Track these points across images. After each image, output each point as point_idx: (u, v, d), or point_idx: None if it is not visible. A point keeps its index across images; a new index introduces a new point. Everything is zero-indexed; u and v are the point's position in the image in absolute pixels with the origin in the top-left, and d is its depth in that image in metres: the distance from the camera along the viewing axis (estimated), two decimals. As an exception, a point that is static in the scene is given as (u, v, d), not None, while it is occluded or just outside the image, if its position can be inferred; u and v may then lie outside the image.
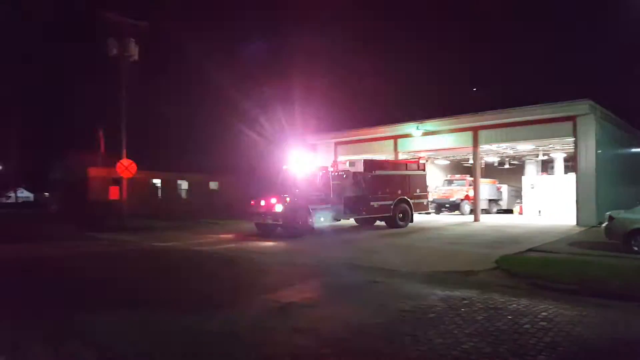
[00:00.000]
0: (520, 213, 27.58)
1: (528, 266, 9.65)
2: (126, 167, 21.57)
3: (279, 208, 16.35)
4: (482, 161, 27.79)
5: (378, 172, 19.67)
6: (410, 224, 20.04)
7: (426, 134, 24.14)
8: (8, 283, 8.83)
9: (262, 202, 16.91)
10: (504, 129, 22.06)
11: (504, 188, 31.09)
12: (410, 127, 24.40)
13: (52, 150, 42.03)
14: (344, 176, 19.26)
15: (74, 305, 6.88)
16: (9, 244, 15.07)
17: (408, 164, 21.42)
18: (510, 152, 28.28)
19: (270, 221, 16.62)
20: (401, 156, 26.23)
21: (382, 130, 26.05)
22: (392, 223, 19.60)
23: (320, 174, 17.90)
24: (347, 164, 20.36)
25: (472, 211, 24.78)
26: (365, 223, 20.45)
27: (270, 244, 14.70)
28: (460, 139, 23.78)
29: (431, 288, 7.70)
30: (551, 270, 9.10)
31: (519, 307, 6.47)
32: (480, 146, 23.45)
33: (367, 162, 19.73)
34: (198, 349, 5.03)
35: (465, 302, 6.75)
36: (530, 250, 12.35)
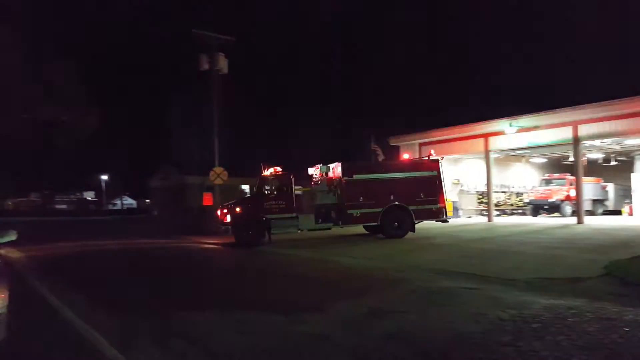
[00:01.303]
0: (631, 214, 25.23)
1: (644, 273, 8.70)
2: (218, 174, 22.52)
3: (228, 218, 16.39)
4: (584, 158, 25.75)
5: (358, 177, 17.33)
6: (411, 233, 17.15)
7: (520, 130, 22.76)
8: (117, 278, 9.48)
9: (218, 212, 16.96)
10: (608, 122, 20.28)
11: (610, 187, 28.65)
12: (502, 124, 23.13)
13: (153, 159, 45.02)
14: (319, 182, 18.09)
15: (174, 302, 7.22)
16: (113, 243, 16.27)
17: (412, 164, 18.35)
18: (617, 148, 25.91)
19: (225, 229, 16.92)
20: (493, 156, 25.03)
21: (471, 128, 24.96)
22: (385, 232, 17.13)
23: (281, 182, 16.97)
24: (319, 168, 18.46)
25: (574, 213, 23.03)
26: (375, 231, 18.00)
27: (355, 247, 14.56)
28: (559, 135, 22.18)
29: (532, 296, 7.16)
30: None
31: (637, 318, 5.79)
32: (582, 142, 21.73)
33: (345, 166, 17.54)
34: (293, 349, 5.04)
35: (573, 311, 6.17)
36: (645, 255, 11.15)
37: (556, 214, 25.97)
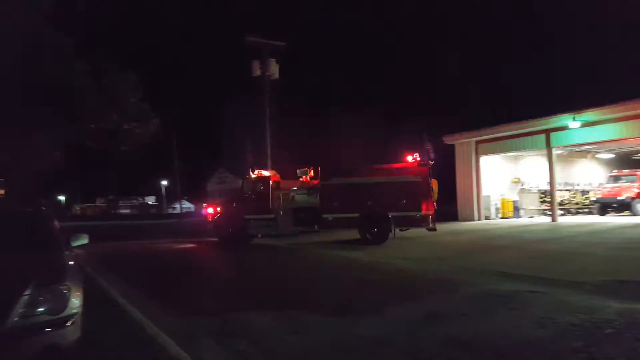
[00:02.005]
0: None
1: None
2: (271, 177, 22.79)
3: (210, 217, 17.13)
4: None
5: (335, 181, 16.85)
6: (387, 240, 15.89)
7: (585, 125, 21.60)
8: (173, 275, 9.80)
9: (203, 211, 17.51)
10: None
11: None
12: (565, 119, 22.00)
13: (209, 164, 46.27)
14: (249, 179, 18.16)
15: (230, 301, 7.33)
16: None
17: (396, 169, 16.97)
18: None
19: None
20: (556, 152, 23.95)
21: (531, 124, 23.85)
22: (361, 238, 16.22)
23: (260, 183, 17.40)
24: (299, 172, 18.14)
25: (647, 211, 21.66)
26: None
27: (405, 249, 14.32)
28: (628, 129, 20.86)
29: (603, 299, 6.77)
30: None
31: None
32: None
33: (323, 169, 17.28)
34: (351, 351, 5.02)
35: (651, 316, 5.79)
36: None
37: (626, 213, 24.48)
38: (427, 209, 15.97)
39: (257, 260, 13.76)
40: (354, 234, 16.34)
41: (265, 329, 5.92)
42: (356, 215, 16.15)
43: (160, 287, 9.45)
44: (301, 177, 17.93)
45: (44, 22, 12.97)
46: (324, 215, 16.58)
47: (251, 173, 18.31)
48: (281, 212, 17.32)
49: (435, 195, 16.99)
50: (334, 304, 7.25)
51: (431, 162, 17.13)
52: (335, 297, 7.94)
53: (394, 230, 16.09)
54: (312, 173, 17.67)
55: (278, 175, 18.85)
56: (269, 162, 23.32)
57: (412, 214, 16.02)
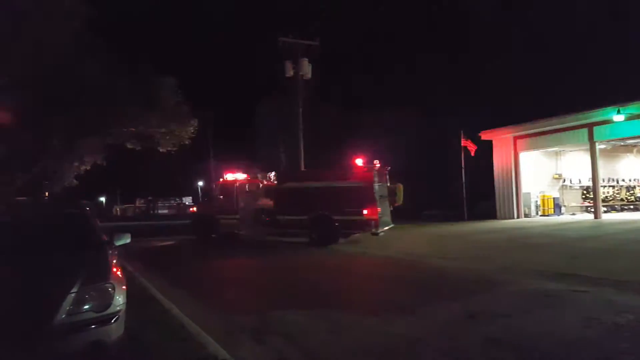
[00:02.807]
0: None
1: None
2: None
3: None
4: None
5: (289, 185, 17.69)
6: (335, 245, 16.02)
7: (630, 118, 20.70)
8: (208, 273, 9.96)
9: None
10: None
11: None
12: (609, 112, 21.11)
13: (242, 165, 46.77)
14: (260, 187, 19.37)
15: (268, 300, 7.42)
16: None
17: (343, 174, 17.14)
18: None
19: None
20: (599, 146, 23.08)
21: (573, 117, 22.96)
22: (310, 241, 16.66)
23: (227, 186, 19.37)
24: (259, 175, 20.25)
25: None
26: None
27: (443, 248, 14.12)
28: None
29: (653, 299, 6.51)
30: None
31: None
32: None
33: (279, 173, 18.88)
34: (388, 351, 4.99)
35: None
36: None
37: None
38: (371, 214, 15.96)
39: (282, 260, 13.81)
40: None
41: (302, 328, 5.92)
42: (305, 217, 16.78)
43: (200, 284, 9.63)
44: (264, 180, 19.74)
45: (84, 27, 13.38)
46: (277, 217, 17.53)
47: (225, 177, 20.42)
48: (245, 213, 18.71)
49: (400, 199, 18.60)
50: (371, 303, 7.23)
51: (388, 168, 18.76)
52: (373, 295, 7.91)
53: (339, 234, 16.46)
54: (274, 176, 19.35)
55: (259, 178, 20.20)
56: (302, 162, 23.39)
57: (355, 217, 16.14)
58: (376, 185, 16.52)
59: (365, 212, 16.00)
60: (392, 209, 18.43)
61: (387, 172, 18.64)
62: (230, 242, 18.83)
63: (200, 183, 61.18)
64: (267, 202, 18.23)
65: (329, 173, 18.06)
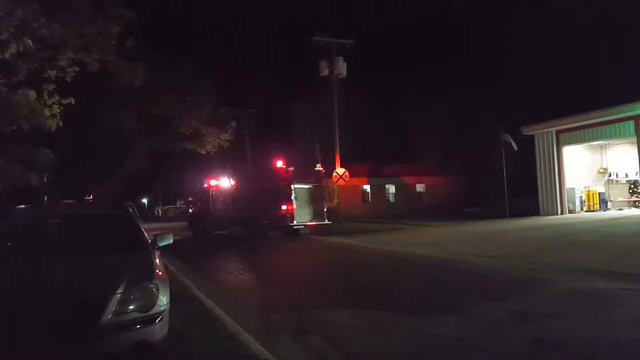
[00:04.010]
0: None
1: None
2: (341, 175, 22.89)
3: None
4: None
5: (226, 187, 21.33)
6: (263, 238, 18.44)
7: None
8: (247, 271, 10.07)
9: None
10: None
11: None
12: (656, 103, 20.28)
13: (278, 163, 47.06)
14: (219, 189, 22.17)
15: (309, 299, 7.43)
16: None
17: (268, 175, 20.43)
18: None
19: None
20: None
21: (618, 110, 22.05)
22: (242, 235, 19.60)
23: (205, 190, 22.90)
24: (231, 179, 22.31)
25: None
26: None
27: (482, 246, 13.79)
28: None
29: None
30: None
31: None
32: None
33: (224, 176, 21.73)
34: (431, 351, 4.91)
35: None
36: None
37: None
38: (287, 210, 18.57)
39: (310, 256, 13.81)
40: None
41: (342, 327, 5.91)
42: (237, 215, 19.91)
43: (240, 282, 9.76)
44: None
45: (126, 31, 13.73)
46: (214, 216, 21.08)
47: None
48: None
49: (335, 199, 21.64)
50: (412, 302, 7.13)
51: (323, 170, 21.16)
52: (413, 295, 7.80)
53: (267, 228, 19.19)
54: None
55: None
56: (338, 160, 23.38)
57: (276, 212, 18.77)
58: (296, 185, 19.16)
59: (283, 208, 18.69)
60: (327, 208, 20.93)
61: (322, 174, 21.05)
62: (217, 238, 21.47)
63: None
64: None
65: (259, 175, 21.65)
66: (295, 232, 19.48)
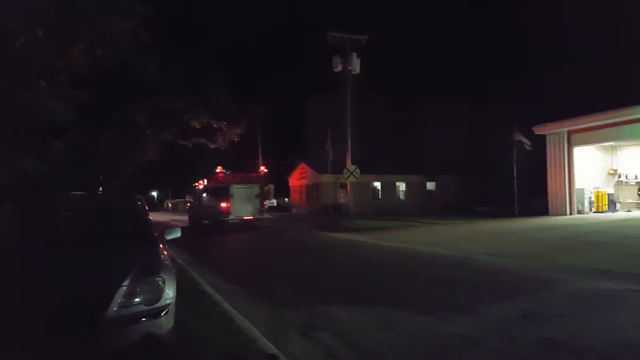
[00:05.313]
0: None
1: None
2: (351, 172, 22.84)
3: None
4: None
5: (208, 185, 25.89)
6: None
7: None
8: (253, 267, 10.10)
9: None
10: None
11: None
12: (668, 105, 20.07)
13: (292, 160, 47.08)
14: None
15: (318, 295, 7.43)
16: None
17: (215, 178, 24.61)
18: None
19: None
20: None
21: (629, 111, 21.85)
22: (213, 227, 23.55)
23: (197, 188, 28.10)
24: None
25: None
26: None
27: (490, 244, 13.71)
28: None
29: None
30: None
31: None
32: None
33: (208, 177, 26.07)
34: (440, 350, 4.90)
35: None
36: None
37: None
38: (225, 207, 23.23)
39: (326, 255, 13.82)
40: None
41: (351, 324, 5.90)
42: (206, 210, 24.69)
43: (249, 279, 9.78)
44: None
45: (139, 26, 13.72)
46: (199, 210, 25.41)
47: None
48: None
49: (271, 197, 26.24)
50: (422, 300, 7.10)
51: (260, 174, 26.64)
52: (422, 293, 7.77)
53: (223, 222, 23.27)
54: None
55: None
56: (349, 157, 23.34)
57: (218, 208, 23.34)
58: (234, 186, 23.65)
59: (222, 204, 23.20)
60: (265, 205, 26.15)
61: (261, 175, 26.82)
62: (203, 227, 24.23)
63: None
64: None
65: (213, 178, 25.11)
66: (225, 224, 23.42)
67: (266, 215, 25.17)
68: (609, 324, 5.48)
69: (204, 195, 25.78)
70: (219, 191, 23.75)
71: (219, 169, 24.84)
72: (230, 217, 23.16)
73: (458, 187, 41.13)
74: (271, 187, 25.83)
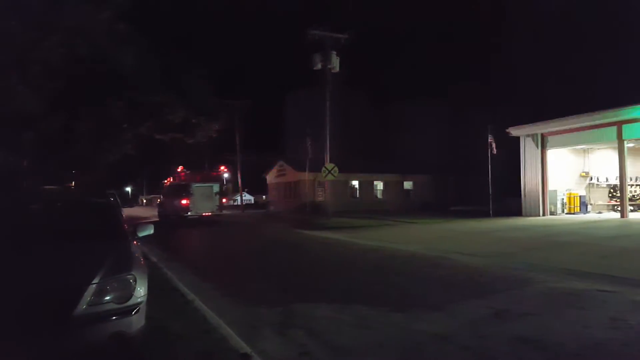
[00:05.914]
0: None
1: None
2: (329, 170, 22.88)
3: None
4: None
5: (173, 182, 27.91)
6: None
7: (661, 116, 20.03)
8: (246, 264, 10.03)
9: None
10: None
11: None
12: (638, 110, 20.61)
13: (269, 157, 46.95)
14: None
15: (292, 293, 7.41)
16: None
17: (179, 177, 26.78)
18: None
19: None
20: (627, 145, 22.46)
21: (601, 115, 22.33)
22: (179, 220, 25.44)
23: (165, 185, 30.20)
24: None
25: None
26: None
27: (467, 244, 13.91)
28: None
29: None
30: None
31: None
32: None
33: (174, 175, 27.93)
34: (414, 347, 4.94)
35: None
36: None
37: None
38: (186, 203, 25.23)
39: (314, 251, 13.82)
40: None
41: (326, 322, 5.91)
42: (171, 205, 26.44)
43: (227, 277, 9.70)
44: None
45: (117, 16, 13.47)
46: (166, 205, 27.76)
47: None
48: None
49: (230, 195, 27.15)
50: (396, 298, 7.15)
51: (217, 174, 28.16)
52: (396, 290, 7.82)
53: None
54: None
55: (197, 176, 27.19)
56: (327, 155, 23.37)
57: (180, 204, 25.42)
58: (194, 185, 25.65)
59: (183, 201, 25.34)
60: (224, 203, 28.95)
61: (221, 175, 28.47)
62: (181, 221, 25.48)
63: (226, 175, 61.72)
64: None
65: (177, 177, 27.01)
66: (185, 219, 25.21)
67: (224, 212, 27.80)
68: (578, 323, 5.59)
69: (169, 192, 28.27)
70: (181, 189, 26.04)
71: (180, 169, 27.18)
72: (190, 213, 25.24)
73: (435, 186, 41.55)
74: (229, 187, 29.39)
